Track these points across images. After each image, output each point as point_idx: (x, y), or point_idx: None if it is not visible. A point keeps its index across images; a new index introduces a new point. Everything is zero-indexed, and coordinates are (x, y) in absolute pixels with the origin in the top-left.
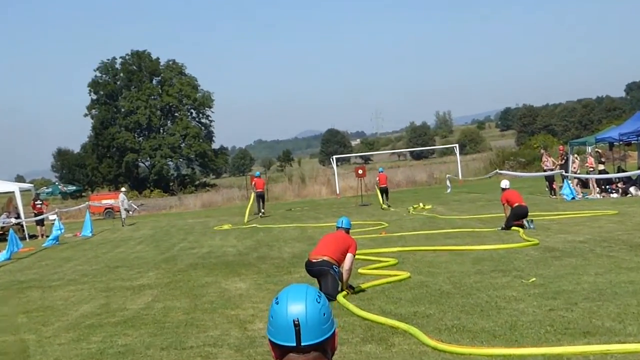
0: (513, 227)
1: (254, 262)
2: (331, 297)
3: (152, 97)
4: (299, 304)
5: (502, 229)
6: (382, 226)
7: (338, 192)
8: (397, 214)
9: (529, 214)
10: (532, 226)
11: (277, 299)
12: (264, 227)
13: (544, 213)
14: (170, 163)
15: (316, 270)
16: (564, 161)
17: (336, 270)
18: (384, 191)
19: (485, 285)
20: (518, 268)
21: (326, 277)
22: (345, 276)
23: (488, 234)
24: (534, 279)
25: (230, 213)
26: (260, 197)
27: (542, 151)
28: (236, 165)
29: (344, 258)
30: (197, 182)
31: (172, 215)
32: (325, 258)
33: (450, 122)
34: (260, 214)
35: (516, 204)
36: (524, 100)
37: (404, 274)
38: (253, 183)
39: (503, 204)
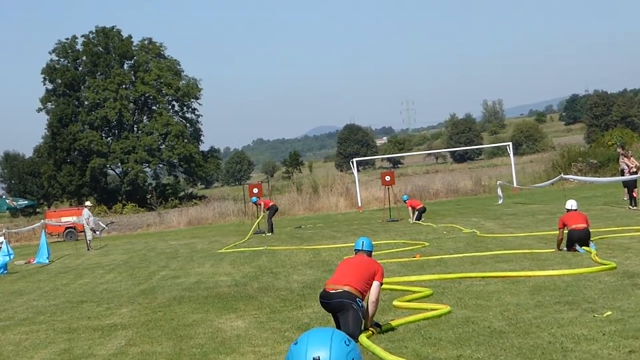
0: (584, 247)
1: (254, 294)
2: (353, 339)
3: (124, 86)
4: (322, 347)
5: (568, 249)
6: (418, 246)
7: (360, 205)
8: (435, 232)
9: (590, 237)
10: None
11: (296, 340)
12: (268, 249)
13: (621, 228)
14: (147, 170)
15: (335, 304)
16: None
17: (360, 304)
18: (422, 212)
19: (548, 322)
20: (589, 299)
21: (347, 312)
22: (371, 310)
23: (550, 257)
24: (609, 312)
25: (223, 232)
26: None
27: (619, 150)
28: (231, 171)
29: (369, 288)
30: (181, 194)
31: (151, 236)
32: (347, 288)
33: (502, 114)
34: (268, 232)
35: (572, 226)
36: (595, 85)
37: (443, 308)
38: (261, 204)
39: (559, 228)
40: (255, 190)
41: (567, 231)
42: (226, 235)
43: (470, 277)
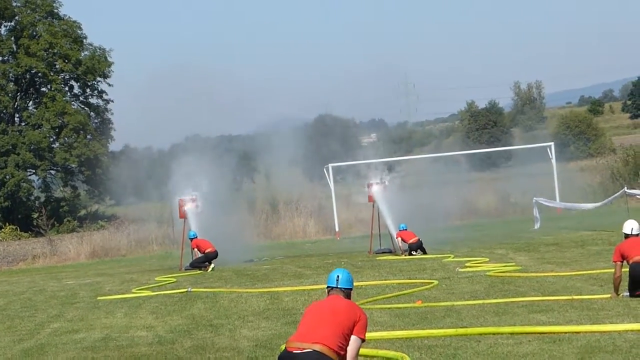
0: None
1: (185, 356)
2: None
3: (0, 58)
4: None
5: (631, 294)
6: (420, 288)
7: (337, 230)
8: (444, 269)
9: None
10: None
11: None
12: (206, 291)
13: None
14: (33, 178)
15: None
16: None
17: None
18: (419, 247)
19: None
20: None
21: None
22: None
23: (608, 305)
24: None
25: (141, 267)
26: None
27: None
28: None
29: (347, 344)
30: (82, 213)
31: (38, 272)
32: (317, 347)
33: (541, 103)
34: (208, 268)
35: (634, 258)
36: None
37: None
38: (194, 248)
39: (615, 262)
40: (190, 207)
41: (627, 267)
42: (146, 272)
43: (495, 334)
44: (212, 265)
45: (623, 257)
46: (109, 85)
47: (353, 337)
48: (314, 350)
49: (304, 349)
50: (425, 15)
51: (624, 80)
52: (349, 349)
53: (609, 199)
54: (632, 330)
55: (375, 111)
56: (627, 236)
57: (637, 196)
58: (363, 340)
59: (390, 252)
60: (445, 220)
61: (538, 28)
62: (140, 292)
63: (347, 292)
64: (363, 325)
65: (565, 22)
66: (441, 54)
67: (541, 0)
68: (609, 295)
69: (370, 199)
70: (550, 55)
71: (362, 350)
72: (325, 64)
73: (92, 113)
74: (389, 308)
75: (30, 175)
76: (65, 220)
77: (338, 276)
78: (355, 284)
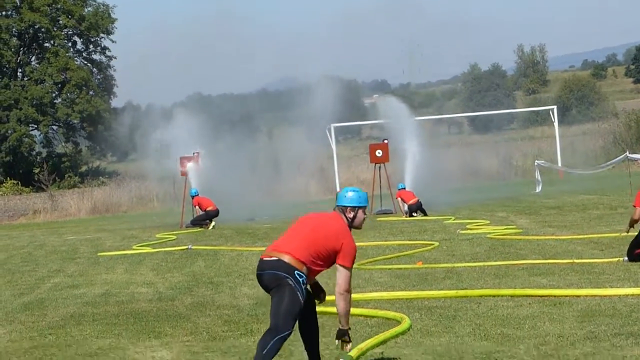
0: None
1: (186, 312)
2: (279, 330)
3: (2, 13)
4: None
5: (631, 259)
6: (421, 249)
7: (339, 189)
8: (445, 230)
9: None
10: None
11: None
12: (206, 249)
13: None
14: (35, 133)
15: (266, 278)
16: None
17: (300, 279)
18: (419, 209)
19: None
20: None
21: (279, 290)
22: (340, 308)
23: (609, 269)
24: None
25: (143, 224)
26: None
27: None
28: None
29: (322, 266)
30: (83, 169)
31: (39, 227)
32: (285, 258)
33: (545, 66)
34: (209, 226)
35: None
36: None
37: (402, 327)
38: (195, 206)
39: (635, 207)
40: (192, 165)
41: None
42: (148, 229)
43: (494, 296)
44: (213, 223)
45: None
46: (112, 42)
47: (339, 268)
48: (280, 260)
49: (272, 257)
50: None
51: (628, 45)
52: (337, 280)
53: (611, 162)
54: (632, 295)
55: (379, 72)
56: None
57: (639, 161)
58: (348, 269)
59: (391, 212)
60: (447, 182)
61: None
62: (140, 249)
63: (354, 211)
64: (348, 253)
65: None
66: (447, 10)
67: None
68: (610, 260)
69: (374, 159)
70: (555, 18)
71: (362, 311)
72: (324, 17)
73: (94, 69)
74: (389, 269)
75: (32, 130)
76: (66, 176)
77: (346, 194)
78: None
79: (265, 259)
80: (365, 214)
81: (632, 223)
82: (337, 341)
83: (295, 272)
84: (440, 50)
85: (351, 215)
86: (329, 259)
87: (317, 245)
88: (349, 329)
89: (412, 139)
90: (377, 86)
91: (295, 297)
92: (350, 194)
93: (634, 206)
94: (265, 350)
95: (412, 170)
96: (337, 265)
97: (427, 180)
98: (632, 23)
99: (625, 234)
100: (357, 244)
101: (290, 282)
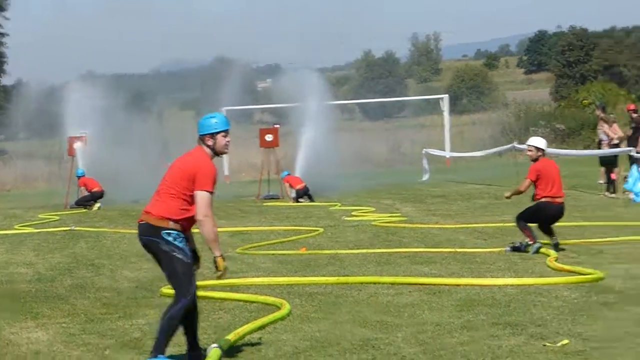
0: (542, 249)
1: (65, 294)
2: (176, 306)
3: None
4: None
5: (513, 249)
6: (306, 235)
7: (227, 174)
8: (330, 217)
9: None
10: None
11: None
12: (89, 231)
13: (593, 224)
14: None
15: (143, 243)
16: (633, 130)
17: (170, 237)
18: (306, 194)
19: (480, 350)
20: (539, 321)
21: (159, 259)
22: (205, 234)
23: (490, 259)
24: (566, 341)
25: (26, 203)
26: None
27: (599, 112)
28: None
29: (189, 204)
30: None
31: None
32: (150, 219)
33: (438, 55)
34: (93, 207)
35: (546, 197)
36: (571, 20)
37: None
38: (81, 187)
39: (528, 179)
40: (79, 145)
41: (539, 200)
42: (31, 208)
43: (376, 283)
44: (98, 204)
45: (538, 177)
46: (6, 18)
47: (196, 193)
48: (146, 222)
49: (142, 220)
50: None
51: (522, 36)
52: (196, 206)
53: (497, 149)
54: (511, 285)
55: (272, 56)
56: (539, 152)
57: (526, 151)
58: (207, 192)
59: (277, 198)
60: (336, 168)
61: None
62: (22, 229)
63: (203, 139)
64: (203, 175)
65: None
66: (341, 4)
67: None
68: (491, 250)
69: (263, 143)
70: (450, 7)
71: (242, 296)
72: None
73: None
74: (273, 254)
75: None
76: None
77: (209, 120)
78: (240, 229)
79: (139, 223)
80: (226, 137)
81: (516, 193)
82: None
83: (162, 232)
84: (335, 36)
85: (211, 142)
86: (187, 192)
87: (177, 187)
88: (220, 255)
89: (307, 124)
90: (271, 70)
91: (171, 259)
92: (205, 121)
93: (528, 178)
94: (164, 318)
95: (302, 155)
96: (195, 192)
97: (316, 166)
98: (526, 14)
99: (507, 199)
100: (242, 228)
101: (162, 245)
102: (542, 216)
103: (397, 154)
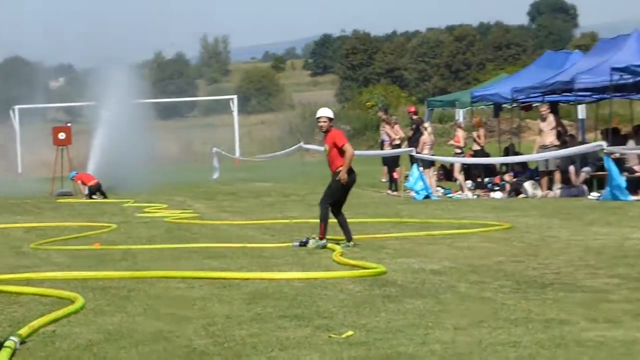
0: (328, 245)
1: None
2: None
3: None
4: None
5: (301, 244)
6: (104, 229)
7: (20, 171)
8: (123, 213)
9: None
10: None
11: None
12: None
13: (376, 220)
14: None
15: None
16: (413, 131)
17: None
18: (98, 190)
19: (268, 342)
20: (325, 313)
21: None
22: None
23: (278, 254)
24: (350, 332)
25: None
26: None
27: (381, 114)
28: None
29: None
30: None
31: None
32: None
33: (227, 56)
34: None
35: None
36: (353, 24)
37: (75, 306)
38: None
39: (348, 144)
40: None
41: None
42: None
43: (168, 277)
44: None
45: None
46: None
47: None
48: None
49: None
50: None
51: (307, 39)
52: None
53: (286, 151)
54: (298, 279)
55: (64, 55)
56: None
57: (313, 151)
58: None
59: (70, 194)
60: (129, 166)
61: None
62: None
63: None
64: None
65: None
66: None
67: None
68: (279, 244)
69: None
70: (238, 7)
71: (36, 290)
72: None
73: None
74: (67, 249)
75: None
76: None
77: None
78: (35, 225)
79: None
80: None
81: (349, 165)
82: None
83: None
84: (126, 36)
85: None
86: None
87: None
88: None
89: (101, 122)
90: (64, 70)
91: None
92: None
93: (346, 143)
94: None
95: (96, 153)
96: None
97: (109, 163)
98: (312, 17)
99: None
100: (37, 224)
101: None
102: (340, 188)
103: (188, 152)
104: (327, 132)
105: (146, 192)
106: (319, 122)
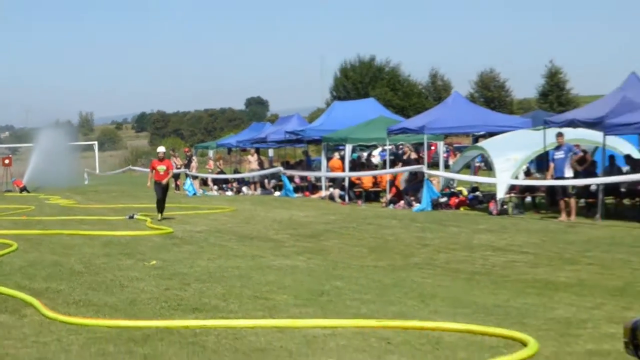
0: (140, 216)
1: None
2: None
3: None
4: None
5: (130, 217)
6: (27, 209)
7: None
8: (39, 201)
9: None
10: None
11: None
12: None
13: (170, 205)
14: None
15: None
16: (187, 161)
17: None
18: (25, 189)
19: (112, 266)
20: (142, 252)
21: None
22: None
23: (119, 222)
24: (154, 262)
25: None
26: None
27: (171, 152)
28: None
29: None
30: None
31: None
32: None
33: (92, 122)
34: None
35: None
36: (158, 106)
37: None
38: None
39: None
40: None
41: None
42: None
43: (61, 234)
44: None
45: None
46: None
47: None
48: None
49: None
50: None
51: (134, 114)
52: None
53: (122, 169)
54: (128, 235)
55: (8, 119)
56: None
57: (136, 170)
58: None
59: (11, 191)
60: (45, 178)
61: (92, 79)
62: None
63: None
64: None
65: (105, 75)
66: (43, 87)
67: (89, 61)
68: (121, 218)
69: (3, 164)
70: (97, 94)
71: None
72: None
73: None
74: (7, 219)
75: None
76: None
77: None
78: None
79: None
80: None
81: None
82: None
83: None
84: (43, 108)
85: None
86: None
87: None
88: None
89: (30, 155)
90: (8, 128)
91: None
92: None
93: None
94: None
95: (29, 171)
96: None
97: (35, 177)
98: (135, 101)
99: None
100: None
101: None
102: (161, 189)
103: (75, 171)
104: (163, 159)
105: (53, 191)
106: (160, 153)
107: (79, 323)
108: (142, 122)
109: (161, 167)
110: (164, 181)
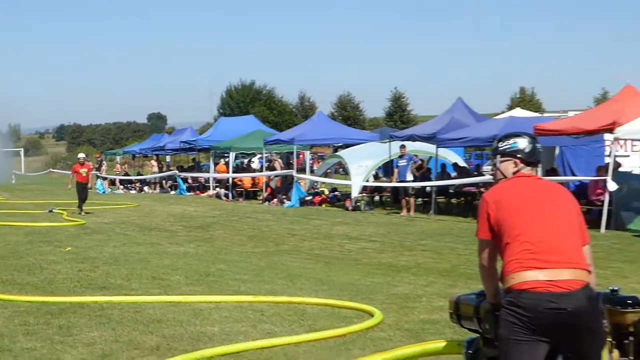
0: (58, 210)
1: None
2: None
3: None
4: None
5: (50, 211)
6: None
7: None
8: None
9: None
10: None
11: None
12: None
13: (89, 202)
14: None
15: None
16: (98, 165)
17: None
18: None
19: (34, 252)
20: (59, 240)
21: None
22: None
23: (40, 215)
24: (69, 248)
25: None
26: None
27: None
28: None
29: None
30: None
31: None
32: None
33: (19, 132)
34: None
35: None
36: (75, 119)
37: None
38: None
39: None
40: None
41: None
42: None
43: None
44: None
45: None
46: None
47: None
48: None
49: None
50: None
51: (54, 125)
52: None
53: (44, 172)
54: (48, 226)
55: None
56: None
57: (56, 172)
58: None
59: None
60: None
61: (19, 92)
62: None
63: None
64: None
65: (30, 88)
66: None
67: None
68: (42, 211)
69: None
70: (23, 106)
71: None
72: None
73: None
74: None
75: None
76: None
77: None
78: None
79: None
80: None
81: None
82: None
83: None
84: None
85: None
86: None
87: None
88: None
89: None
90: None
91: None
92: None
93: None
94: None
95: None
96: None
97: None
98: (55, 113)
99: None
100: None
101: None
102: (82, 189)
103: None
104: (83, 164)
105: None
106: (81, 159)
107: (5, 299)
108: (61, 132)
109: (83, 170)
110: (86, 181)
